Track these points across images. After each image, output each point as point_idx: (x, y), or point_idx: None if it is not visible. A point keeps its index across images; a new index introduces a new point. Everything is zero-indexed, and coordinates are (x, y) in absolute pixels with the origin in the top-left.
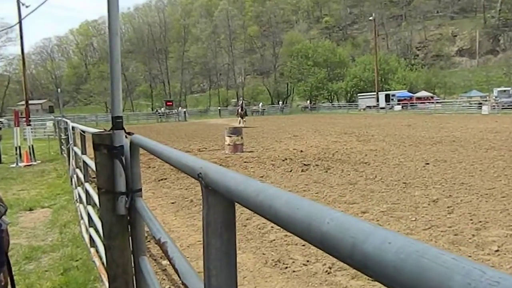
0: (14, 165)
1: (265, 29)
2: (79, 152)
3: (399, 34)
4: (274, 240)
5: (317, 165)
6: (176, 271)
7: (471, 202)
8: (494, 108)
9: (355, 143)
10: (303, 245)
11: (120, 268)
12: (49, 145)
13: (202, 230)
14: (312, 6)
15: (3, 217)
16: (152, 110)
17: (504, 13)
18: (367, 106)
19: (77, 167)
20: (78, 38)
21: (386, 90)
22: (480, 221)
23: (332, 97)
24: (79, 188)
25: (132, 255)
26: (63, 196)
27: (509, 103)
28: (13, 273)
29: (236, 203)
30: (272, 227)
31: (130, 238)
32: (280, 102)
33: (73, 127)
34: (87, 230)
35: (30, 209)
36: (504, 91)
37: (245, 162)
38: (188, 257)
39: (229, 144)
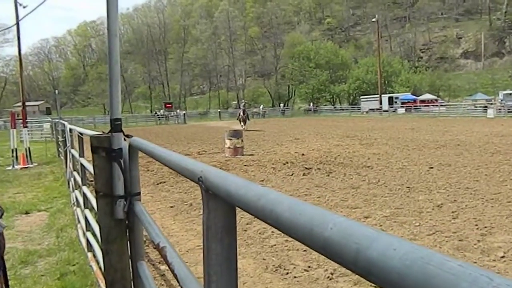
0: (10, 167)
1: (266, 30)
2: (76, 154)
3: (402, 36)
4: (275, 245)
5: (319, 168)
6: (175, 276)
7: (476, 207)
8: (500, 112)
9: (358, 146)
10: (305, 251)
11: (118, 273)
12: (46, 147)
13: (202, 235)
14: (314, 7)
15: None
16: (151, 112)
17: (510, 15)
18: (370, 109)
19: (74, 170)
20: (76, 39)
21: (389, 93)
22: (486, 227)
23: (334, 99)
24: (77, 192)
25: (130, 260)
26: (60, 200)
27: None
28: (9, 277)
29: (237, 208)
30: (273, 232)
31: (128, 242)
32: (281, 105)
33: (70, 129)
34: (84, 234)
35: (27, 213)
36: (510, 94)
37: (245, 165)
38: (187, 262)
39: (229, 147)
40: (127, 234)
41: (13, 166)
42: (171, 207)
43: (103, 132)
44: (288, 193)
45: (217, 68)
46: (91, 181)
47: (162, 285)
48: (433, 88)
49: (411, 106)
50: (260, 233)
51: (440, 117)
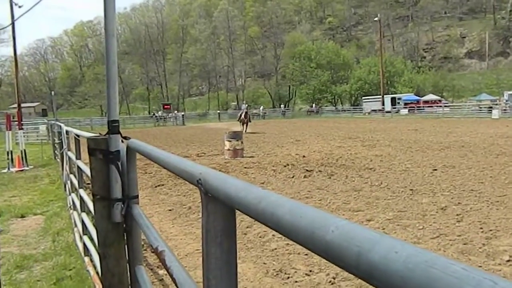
0: (5, 170)
1: (266, 30)
2: (73, 157)
3: (405, 35)
4: (275, 249)
5: (320, 171)
6: (174, 281)
7: (481, 210)
8: (505, 112)
9: (360, 148)
10: (306, 255)
11: (116, 278)
12: (42, 149)
13: (201, 239)
14: (315, 6)
15: None
16: (149, 113)
17: None
18: (372, 110)
19: (71, 173)
20: (73, 39)
21: (392, 94)
22: (491, 230)
23: (336, 100)
24: (73, 195)
25: (128, 264)
26: (56, 203)
27: None
28: (3, 282)
29: (236, 211)
30: (273, 235)
31: (126, 246)
32: (282, 106)
33: (67, 131)
34: (81, 238)
35: (22, 216)
36: None
37: (245, 167)
38: (186, 267)
39: (228, 149)
40: (125, 238)
41: (9, 169)
42: (170, 210)
43: (100, 134)
44: (289, 196)
45: (216, 68)
46: (88, 184)
47: None
48: (437, 89)
49: (414, 107)
50: (260, 237)
51: (444, 118)
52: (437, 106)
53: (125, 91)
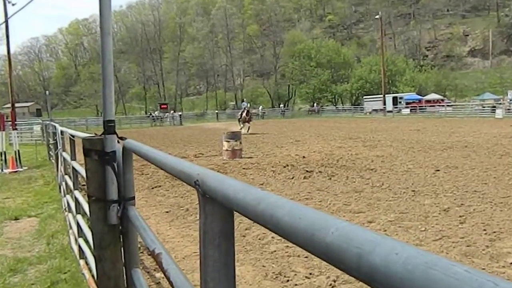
0: None
1: (265, 28)
2: (68, 158)
3: (407, 33)
4: (275, 251)
5: (320, 171)
6: (171, 284)
7: (484, 211)
8: (509, 112)
9: (361, 148)
10: (306, 257)
11: (112, 281)
12: (37, 150)
13: (198, 241)
14: (315, 4)
15: None
16: (146, 113)
17: None
18: (374, 110)
19: (66, 174)
20: (68, 37)
21: (393, 93)
22: (495, 232)
23: (336, 100)
24: (68, 196)
25: (124, 267)
26: (51, 205)
27: None
28: None
29: (235, 213)
30: (272, 237)
31: (122, 249)
32: (281, 105)
33: (62, 132)
34: (76, 240)
35: (16, 218)
36: None
37: (244, 168)
38: (183, 270)
39: (227, 150)
40: (121, 240)
41: (2, 170)
42: (167, 212)
43: (96, 134)
44: (289, 197)
45: (215, 67)
46: (84, 185)
47: None
48: (439, 88)
49: (416, 107)
50: (259, 239)
51: (446, 117)
52: (439, 105)
53: (121, 91)
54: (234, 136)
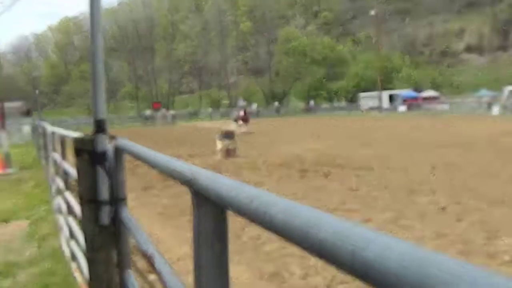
0: None
1: (258, 25)
2: (58, 158)
3: (403, 30)
4: (270, 251)
5: (316, 170)
6: (164, 286)
7: (481, 209)
8: (505, 109)
9: (357, 146)
10: (302, 257)
11: (104, 284)
12: (27, 151)
13: (192, 241)
14: (310, 0)
15: None
16: (138, 113)
17: None
18: (370, 107)
19: (56, 175)
20: (58, 35)
21: (389, 90)
22: (491, 229)
23: (332, 97)
24: (59, 198)
25: (116, 269)
26: (42, 207)
27: None
28: None
29: (229, 211)
30: (268, 237)
31: (114, 251)
32: (276, 103)
33: (52, 131)
34: (67, 243)
35: (5, 221)
36: None
37: (238, 168)
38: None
39: (221, 149)
40: (113, 242)
41: None
42: (160, 213)
43: (87, 133)
44: (284, 197)
45: (208, 65)
46: (75, 186)
47: None
48: (435, 85)
49: (412, 104)
50: (254, 239)
51: (443, 114)
52: (436, 102)
53: (113, 90)
54: (228, 135)
